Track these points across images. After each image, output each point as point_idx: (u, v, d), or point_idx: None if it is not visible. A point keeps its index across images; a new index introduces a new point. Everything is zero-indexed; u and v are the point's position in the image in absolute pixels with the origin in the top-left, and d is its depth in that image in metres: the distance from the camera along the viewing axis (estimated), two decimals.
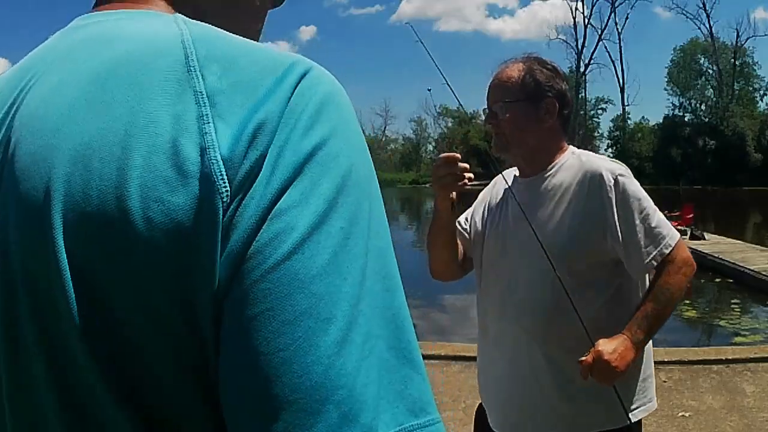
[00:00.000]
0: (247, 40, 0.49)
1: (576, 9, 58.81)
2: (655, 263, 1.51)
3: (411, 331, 0.44)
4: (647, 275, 1.58)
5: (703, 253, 11.02)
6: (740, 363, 4.40)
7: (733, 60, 49.81)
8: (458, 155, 1.60)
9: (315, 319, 0.39)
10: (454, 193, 1.64)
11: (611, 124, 54.48)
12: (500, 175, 1.75)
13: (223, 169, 0.40)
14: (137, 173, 0.41)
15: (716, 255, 10.72)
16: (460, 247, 1.80)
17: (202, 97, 0.43)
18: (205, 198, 0.40)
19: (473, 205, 1.84)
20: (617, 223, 1.48)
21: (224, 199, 0.40)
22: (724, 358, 4.49)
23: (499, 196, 1.72)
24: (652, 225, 1.50)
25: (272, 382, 0.38)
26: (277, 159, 0.41)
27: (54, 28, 0.57)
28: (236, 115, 0.42)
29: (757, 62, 51.13)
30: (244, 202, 0.40)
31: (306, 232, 0.41)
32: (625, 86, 53.25)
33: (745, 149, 43.94)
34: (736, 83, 49.92)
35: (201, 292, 0.40)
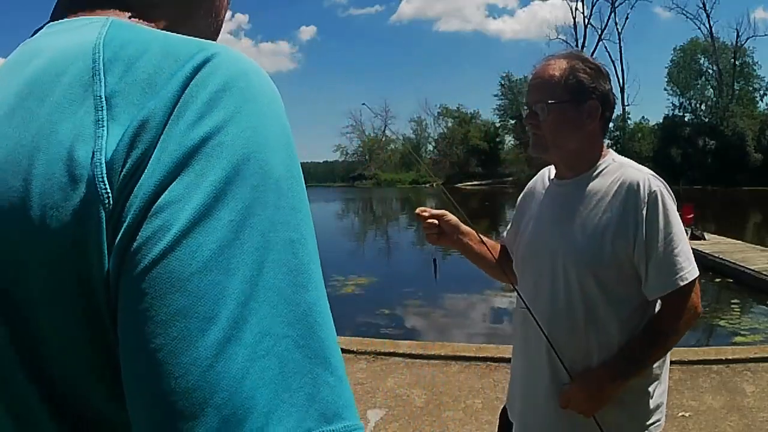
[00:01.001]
0: (173, 34, 0.47)
1: (576, 9, 58.79)
2: (664, 292, 1.46)
3: (327, 328, 0.41)
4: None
5: (703, 253, 11.00)
6: (740, 363, 4.41)
7: (733, 60, 49.74)
8: (420, 212, 1.72)
9: (193, 318, 0.38)
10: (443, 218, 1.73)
11: (611, 124, 54.26)
12: (543, 171, 1.75)
13: (104, 171, 0.40)
14: (38, 183, 0.42)
15: (716, 255, 10.71)
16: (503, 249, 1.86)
17: (101, 101, 0.42)
18: (90, 201, 0.40)
19: (518, 200, 1.85)
20: (644, 241, 1.44)
21: (105, 202, 0.40)
22: (724, 358, 4.49)
23: (541, 195, 1.70)
24: (674, 252, 1.44)
25: (150, 383, 0.37)
26: (160, 154, 0.40)
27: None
28: (127, 114, 0.41)
29: (757, 62, 51.03)
30: (129, 201, 0.40)
31: (184, 228, 0.39)
32: (625, 86, 53.17)
33: (745, 149, 43.88)
34: (736, 83, 49.84)
35: (97, 293, 0.41)
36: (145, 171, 0.40)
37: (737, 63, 49.79)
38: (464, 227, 1.75)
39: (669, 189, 1.49)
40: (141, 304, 0.38)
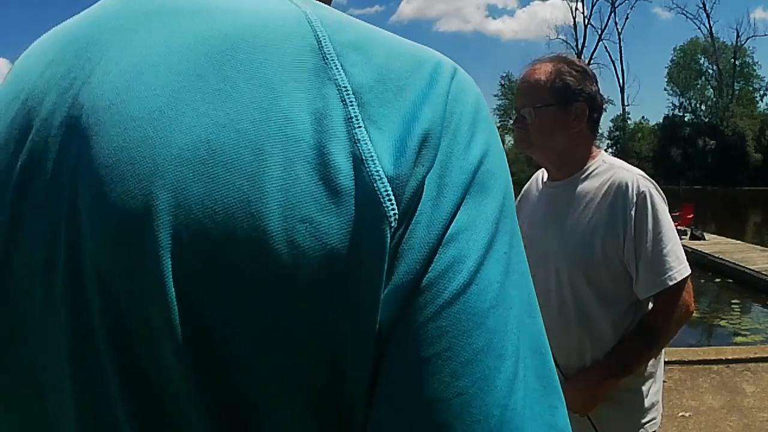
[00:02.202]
0: (368, 24, 0.41)
1: (576, 9, 58.80)
2: (654, 291, 1.48)
3: (551, 357, 0.40)
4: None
5: (703, 253, 11.01)
6: (740, 363, 4.40)
7: (733, 60, 49.82)
8: None
9: (492, 356, 0.34)
10: None
11: (611, 124, 54.30)
12: (537, 173, 1.75)
13: (389, 187, 0.33)
14: (276, 185, 0.33)
15: (716, 255, 10.71)
16: None
17: (348, 94, 0.35)
18: (368, 221, 0.33)
19: (516, 204, 1.85)
20: (633, 241, 1.46)
21: (392, 224, 0.33)
22: (724, 358, 4.49)
23: (535, 198, 1.71)
24: (663, 252, 1.45)
25: (449, 430, 0.33)
26: (441, 176, 0.35)
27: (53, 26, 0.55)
28: (391, 120, 0.35)
29: (757, 62, 51.21)
30: (410, 227, 0.34)
31: (479, 260, 0.35)
32: (625, 86, 53.25)
33: (745, 149, 43.95)
34: (736, 83, 49.93)
35: (354, 336, 0.33)
36: (424, 193, 0.34)
37: (737, 63, 49.88)
38: None
39: (659, 189, 1.51)
40: (441, 344, 0.33)
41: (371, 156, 0.34)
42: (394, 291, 0.33)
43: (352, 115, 0.34)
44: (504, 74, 58.20)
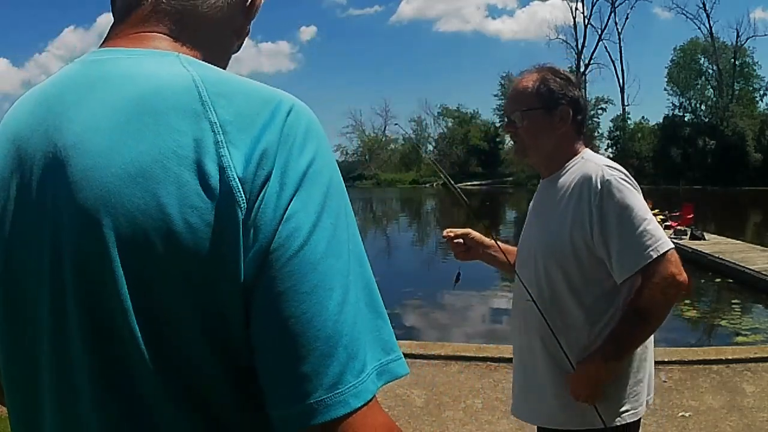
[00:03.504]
0: (236, 76, 0.62)
1: (576, 9, 58.65)
2: (631, 272, 1.52)
3: (377, 291, 0.61)
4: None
5: (703, 253, 11.02)
6: (740, 363, 4.40)
7: (733, 60, 49.76)
8: (447, 234, 1.90)
9: (323, 289, 0.55)
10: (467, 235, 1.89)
11: (611, 124, 54.20)
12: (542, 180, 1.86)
13: (239, 185, 0.54)
14: (173, 187, 0.54)
15: (716, 255, 10.71)
16: None
17: (217, 126, 0.56)
18: (228, 206, 0.54)
19: None
20: (600, 228, 1.53)
21: (242, 207, 0.54)
22: (724, 358, 4.49)
23: (534, 197, 1.85)
24: (634, 233, 1.51)
25: (299, 336, 0.54)
26: (282, 176, 0.56)
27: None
28: (243, 141, 0.56)
29: (757, 62, 51.05)
30: (260, 209, 0.54)
31: (310, 229, 0.56)
32: (625, 86, 53.29)
33: (745, 149, 43.90)
34: (736, 83, 49.87)
35: (227, 287, 0.55)
36: (269, 187, 0.55)
37: (737, 63, 49.84)
38: (487, 240, 1.92)
39: (628, 178, 1.59)
40: (289, 282, 0.54)
41: (229, 165, 0.55)
42: (254, 253, 0.54)
43: (219, 140, 0.56)
44: (504, 74, 58.13)
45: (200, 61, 0.64)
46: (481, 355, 4.68)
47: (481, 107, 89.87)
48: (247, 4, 0.75)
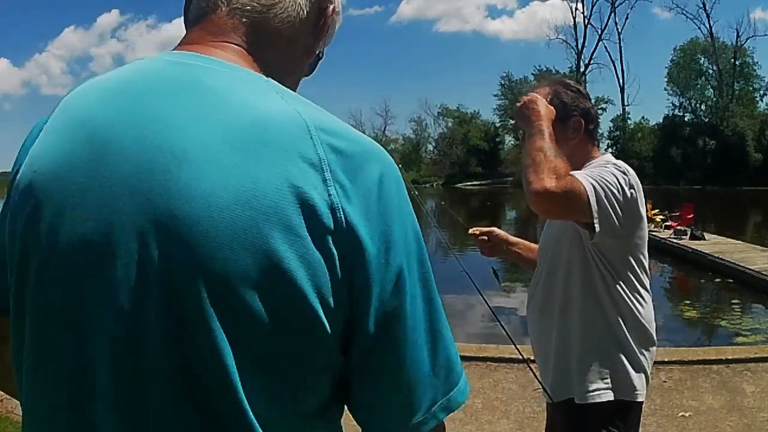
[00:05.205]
0: (336, 118, 0.66)
1: (576, 9, 58.56)
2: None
3: (448, 331, 0.70)
4: (630, 268, 1.68)
5: (703, 253, 11.02)
6: (740, 363, 4.40)
7: (733, 60, 49.73)
8: (473, 232, 2.00)
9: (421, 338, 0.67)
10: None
11: (611, 124, 54.08)
12: None
13: (345, 224, 0.59)
14: (271, 206, 0.57)
15: (716, 255, 10.70)
16: None
17: (326, 164, 0.60)
18: (328, 238, 0.59)
19: None
20: None
21: (342, 244, 0.59)
22: (724, 358, 4.49)
23: None
24: (588, 173, 1.61)
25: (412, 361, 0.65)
26: (388, 237, 0.62)
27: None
28: (348, 182, 0.60)
29: (757, 62, 50.97)
30: (368, 261, 0.60)
31: (412, 294, 0.66)
32: (625, 86, 53.17)
33: (745, 149, 43.90)
34: (736, 83, 49.83)
35: (332, 311, 0.60)
36: (370, 245, 0.60)
37: (737, 63, 49.82)
38: (512, 238, 2.07)
39: (627, 174, 1.64)
40: (400, 334, 0.65)
41: (338, 206, 0.59)
42: (356, 289, 0.61)
43: (326, 178, 0.59)
44: (504, 74, 58.30)
45: (293, 93, 0.67)
46: (481, 355, 4.69)
47: (481, 107, 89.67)
48: (320, 23, 0.77)
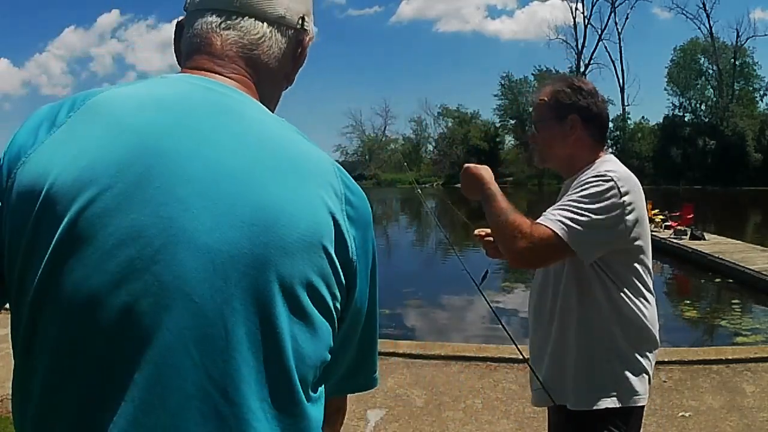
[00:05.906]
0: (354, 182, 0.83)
1: (576, 9, 58.56)
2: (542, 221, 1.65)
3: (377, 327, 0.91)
4: (599, 272, 1.68)
5: (703, 253, 11.02)
6: (740, 363, 4.40)
7: (733, 60, 49.69)
8: (478, 233, 2.03)
9: (377, 312, 0.88)
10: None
11: (611, 124, 53.89)
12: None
13: (354, 246, 0.77)
14: (311, 222, 0.72)
15: (716, 255, 10.70)
16: None
17: (347, 200, 0.77)
18: (342, 251, 0.76)
19: None
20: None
21: (351, 258, 0.77)
22: (724, 358, 4.49)
23: None
24: (560, 205, 1.63)
25: (373, 337, 0.88)
26: (362, 254, 0.80)
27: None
28: (354, 219, 0.78)
29: (757, 62, 50.87)
30: (355, 270, 0.78)
31: (374, 298, 0.86)
32: (625, 86, 53.11)
33: (745, 149, 43.86)
34: (736, 83, 49.78)
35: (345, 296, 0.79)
36: (357, 260, 0.78)
37: (737, 63, 49.77)
38: None
39: (623, 181, 1.64)
40: (369, 321, 0.86)
41: (351, 237, 0.77)
42: (350, 305, 0.81)
43: (343, 209, 0.77)
44: (504, 74, 58.27)
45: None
46: (481, 355, 4.69)
47: (481, 107, 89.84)
48: (298, 53, 0.87)
